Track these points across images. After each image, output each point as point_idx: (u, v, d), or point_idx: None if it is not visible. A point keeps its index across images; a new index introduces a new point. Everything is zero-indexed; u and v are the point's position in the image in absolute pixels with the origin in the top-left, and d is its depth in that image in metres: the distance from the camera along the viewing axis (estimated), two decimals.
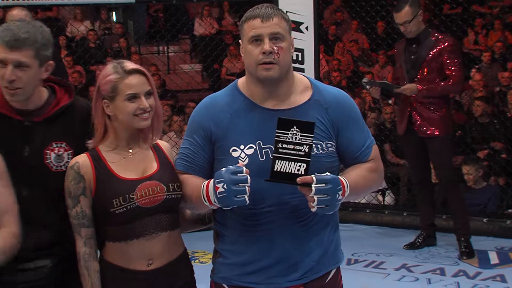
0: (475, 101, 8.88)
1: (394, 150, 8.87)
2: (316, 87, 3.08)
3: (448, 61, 6.40)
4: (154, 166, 3.14)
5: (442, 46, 6.45)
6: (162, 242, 3.09)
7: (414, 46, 6.53)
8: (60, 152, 3.17)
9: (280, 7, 6.61)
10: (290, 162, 2.81)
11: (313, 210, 2.79)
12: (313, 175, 2.77)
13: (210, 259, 3.27)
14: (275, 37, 2.93)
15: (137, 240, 3.05)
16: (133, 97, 3.03)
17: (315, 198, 2.76)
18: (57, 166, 3.15)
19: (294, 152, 2.80)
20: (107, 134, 3.15)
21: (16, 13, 6.17)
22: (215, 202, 2.84)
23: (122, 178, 3.06)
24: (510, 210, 7.59)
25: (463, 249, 6.62)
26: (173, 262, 3.15)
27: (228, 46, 11.63)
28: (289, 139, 2.80)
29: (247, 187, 2.78)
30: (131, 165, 3.12)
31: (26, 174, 3.10)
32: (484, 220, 7.23)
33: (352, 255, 6.66)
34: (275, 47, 2.92)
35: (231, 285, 3.09)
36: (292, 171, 2.80)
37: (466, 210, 6.79)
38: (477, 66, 10.32)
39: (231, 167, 2.81)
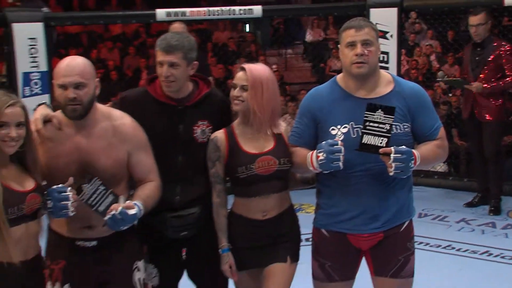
0: None
1: (459, 133, 8.72)
2: (397, 81, 3.09)
3: (506, 63, 6.27)
4: (271, 144, 3.17)
5: (502, 50, 6.32)
6: (274, 200, 3.16)
7: (479, 49, 6.39)
8: (203, 128, 3.24)
9: (371, 20, 6.65)
10: (375, 137, 2.84)
11: (391, 174, 2.84)
12: (392, 147, 2.81)
13: (314, 210, 3.28)
14: (365, 43, 2.96)
15: (255, 198, 3.13)
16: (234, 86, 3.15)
17: (393, 165, 2.81)
18: (201, 139, 3.23)
19: (378, 129, 2.83)
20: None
21: (176, 26, 6.29)
22: (317, 167, 2.92)
23: (246, 152, 3.13)
24: None
25: (492, 208, 6.56)
26: (282, 214, 3.20)
27: (331, 50, 11.60)
28: (375, 119, 2.83)
29: (341, 156, 2.81)
30: (254, 142, 3.16)
31: (180, 145, 3.20)
32: None
33: (422, 210, 6.56)
34: (365, 51, 2.94)
35: (328, 230, 3.13)
36: (376, 144, 2.84)
37: (499, 181, 6.69)
38: None
39: (330, 141, 2.87)
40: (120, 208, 2.75)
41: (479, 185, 6.88)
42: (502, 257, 5.43)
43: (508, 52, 6.33)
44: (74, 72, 2.85)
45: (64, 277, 2.97)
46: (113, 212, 2.74)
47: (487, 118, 6.41)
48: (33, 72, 6.65)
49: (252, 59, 12.32)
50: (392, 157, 2.82)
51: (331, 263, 3.14)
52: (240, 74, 3.17)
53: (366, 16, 6.91)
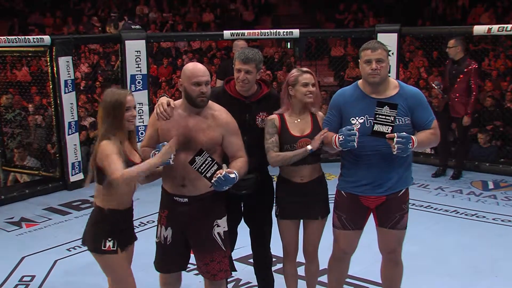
0: (487, 97, 8.50)
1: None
2: (401, 86, 3.11)
3: (473, 79, 6.24)
4: (309, 129, 3.15)
5: (471, 67, 6.26)
6: (308, 169, 3.17)
7: (455, 65, 6.34)
8: (263, 118, 3.24)
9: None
10: (383, 126, 2.89)
11: (394, 153, 2.89)
12: (395, 133, 2.86)
13: (334, 178, 3.34)
14: (378, 60, 2.99)
15: (295, 167, 3.13)
16: (306, 85, 3.12)
17: (396, 146, 2.86)
18: (261, 125, 3.23)
19: (385, 120, 2.88)
20: (289, 106, 3.20)
21: (240, 43, 6.35)
22: (338, 146, 2.97)
23: (292, 134, 3.13)
24: (502, 160, 7.30)
25: (454, 175, 6.61)
26: (314, 180, 3.20)
27: (349, 62, 11.51)
28: (383, 112, 2.88)
29: (355, 138, 2.85)
30: (298, 126, 3.16)
31: (247, 129, 3.16)
32: (487, 164, 6.93)
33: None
34: (378, 66, 2.99)
35: (346, 192, 3.15)
36: (384, 131, 2.89)
37: (463, 158, 6.73)
38: (489, 78, 9.90)
39: (348, 127, 2.93)
40: (224, 172, 2.77)
41: (440, 161, 6.86)
42: (466, 215, 5.44)
43: (474, 69, 6.27)
44: (206, 73, 2.93)
45: (167, 222, 3.03)
46: (218, 175, 2.76)
47: (459, 113, 6.36)
48: (137, 74, 6.78)
49: (291, 68, 12.30)
50: (395, 140, 2.86)
51: (346, 215, 3.18)
52: (308, 76, 3.15)
53: (375, 38, 6.87)
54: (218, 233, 3.01)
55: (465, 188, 6.28)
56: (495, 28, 6.48)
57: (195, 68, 2.93)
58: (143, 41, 6.77)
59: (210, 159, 2.78)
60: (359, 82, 3.15)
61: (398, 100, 3.00)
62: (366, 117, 3.00)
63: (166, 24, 14.88)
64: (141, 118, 6.76)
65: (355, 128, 2.91)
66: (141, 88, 6.79)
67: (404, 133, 2.89)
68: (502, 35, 7.06)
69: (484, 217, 5.33)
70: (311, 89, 3.13)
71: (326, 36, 10.10)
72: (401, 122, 2.98)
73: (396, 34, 6.95)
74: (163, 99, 3.01)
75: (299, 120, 3.18)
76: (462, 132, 6.58)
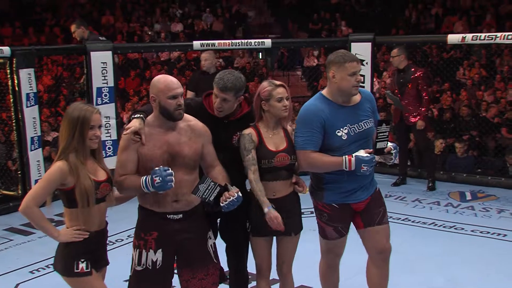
0: (462, 107, 8.68)
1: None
2: (360, 91, 3.22)
3: (422, 85, 6.42)
4: (284, 143, 3.16)
5: (418, 74, 6.45)
6: (281, 184, 3.17)
7: (402, 74, 6.56)
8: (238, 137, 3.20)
9: (352, 51, 6.74)
10: (382, 142, 3.08)
11: (390, 163, 3.35)
12: (390, 146, 3.12)
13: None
14: (359, 72, 3.12)
15: (268, 182, 3.13)
16: (280, 100, 3.12)
17: (393, 157, 3.16)
18: (237, 144, 3.19)
19: (383, 136, 3.08)
20: (261, 119, 3.18)
21: (204, 55, 6.40)
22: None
23: (269, 149, 3.12)
24: (478, 170, 7.45)
25: (429, 186, 6.71)
26: (288, 195, 3.19)
27: (322, 72, 11.63)
28: (381, 130, 3.07)
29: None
30: (273, 140, 3.15)
31: (222, 147, 3.13)
32: (464, 175, 7.08)
33: (388, 192, 6.65)
34: (360, 78, 3.14)
35: (338, 203, 3.23)
36: (383, 147, 3.10)
37: (432, 167, 6.84)
38: (464, 88, 10.09)
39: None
40: (235, 193, 2.82)
41: (400, 170, 6.98)
42: (444, 227, 5.51)
43: (421, 76, 6.47)
44: (179, 85, 2.90)
45: (157, 244, 2.92)
46: (231, 198, 2.80)
47: (412, 121, 6.52)
48: (103, 87, 6.73)
49: (263, 79, 12.36)
50: (393, 153, 3.14)
51: (342, 224, 3.29)
52: (281, 90, 3.13)
53: (348, 48, 6.97)
54: (211, 245, 3.04)
55: (442, 200, 6.37)
56: (469, 37, 6.64)
57: (168, 81, 2.90)
58: (110, 52, 6.74)
59: (213, 183, 2.81)
60: (324, 93, 3.19)
61: (364, 104, 3.20)
62: (348, 125, 3.11)
63: (133, 35, 14.84)
64: (108, 133, 6.71)
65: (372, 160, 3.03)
66: (108, 101, 6.74)
67: (394, 144, 3.16)
68: (476, 44, 7.20)
69: (463, 229, 5.41)
70: (286, 104, 3.14)
71: (299, 45, 10.23)
72: (371, 124, 3.17)
73: (370, 43, 7.06)
74: (133, 125, 2.91)
75: (273, 134, 3.19)
76: (422, 139, 6.78)
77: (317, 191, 3.26)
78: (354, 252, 3.51)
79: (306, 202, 3.32)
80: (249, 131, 3.16)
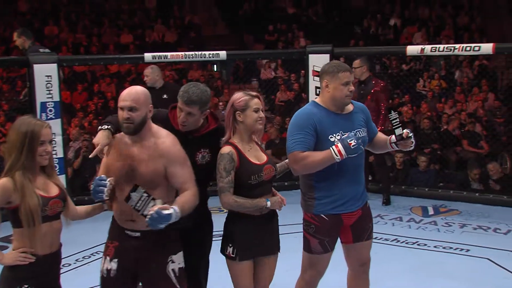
0: (423, 119, 8.86)
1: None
2: (352, 102, 3.34)
3: (382, 98, 6.55)
4: (264, 156, 3.13)
5: (378, 86, 6.60)
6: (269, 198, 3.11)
7: (362, 85, 6.69)
8: (204, 154, 3.19)
9: (310, 62, 6.79)
10: (398, 128, 3.28)
11: (411, 148, 3.36)
12: (407, 131, 3.30)
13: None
14: (351, 82, 3.24)
15: (259, 198, 3.07)
16: (257, 110, 3.08)
17: (413, 141, 3.30)
18: (200, 162, 3.16)
19: (397, 122, 3.28)
20: (235, 133, 3.11)
21: (146, 71, 6.68)
22: (346, 154, 3.06)
23: (254, 163, 3.05)
24: (441, 184, 7.61)
25: (384, 200, 6.82)
26: (270, 212, 3.14)
27: (280, 85, 11.69)
28: (393, 117, 3.28)
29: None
30: (252, 154, 3.10)
31: None
32: (426, 189, 7.20)
33: None
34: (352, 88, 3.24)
35: (327, 214, 3.25)
36: (401, 133, 3.29)
37: (387, 181, 6.96)
38: (424, 100, 10.31)
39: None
40: (156, 208, 2.65)
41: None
42: (407, 243, 5.57)
43: (382, 88, 6.61)
44: (130, 98, 2.85)
45: (115, 253, 2.94)
46: (151, 212, 2.65)
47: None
48: (48, 102, 6.58)
49: (219, 92, 12.36)
50: (411, 135, 3.29)
51: (329, 238, 3.28)
52: (257, 100, 3.09)
53: (306, 60, 7.04)
54: (173, 270, 2.95)
55: (405, 215, 6.45)
56: (428, 48, 6.80)
57: (124, 91, 2.90)
58: (55, 65, 6.60)
59: (146, 195, 2.70)
60: (318, 101, 3.30)
61: (358, 114, 3.31)
62: (341, 132, 3.17)
63: (79, 46, 14.61)
64: (54, 150, 6.54)
65: (354, 141, 3.06)
66: (54, 117, 6.57)
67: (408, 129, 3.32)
68: (435, 55, 7.39)
69: (426, 244, 5.48)
70: (262, 115, 3.11)
71: (255, 57, 10.26)
72: (364, 134, 3.28)
73: (328, 55, 7.12)
74: (100, 146, 2.92)
75: (250, 148, 3.13)
76: (375, 153, 6.79)
77: (307, 202, 3.29)
78: (336, 271, 3.46)
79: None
80: (228, 149, 3.05)
